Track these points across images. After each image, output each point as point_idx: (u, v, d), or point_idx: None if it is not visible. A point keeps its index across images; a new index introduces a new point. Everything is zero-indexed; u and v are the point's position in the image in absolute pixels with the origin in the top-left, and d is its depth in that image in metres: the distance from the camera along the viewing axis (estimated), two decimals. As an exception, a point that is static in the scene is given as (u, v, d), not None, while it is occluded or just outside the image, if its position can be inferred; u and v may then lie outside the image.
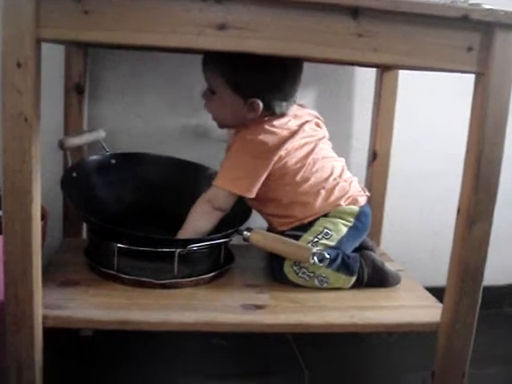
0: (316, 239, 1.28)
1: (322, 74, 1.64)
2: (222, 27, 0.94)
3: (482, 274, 1.11)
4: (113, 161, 1.45)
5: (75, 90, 1.44)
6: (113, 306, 1.12)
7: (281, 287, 1.28)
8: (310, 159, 1.31)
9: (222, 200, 1.28)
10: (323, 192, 1.31)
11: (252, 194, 1.27)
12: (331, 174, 1.33)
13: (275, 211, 1.35)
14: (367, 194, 1.40)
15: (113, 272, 1.21)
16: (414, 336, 1.45)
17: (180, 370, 1.39)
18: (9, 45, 0.90)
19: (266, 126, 1.29)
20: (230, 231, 1.26)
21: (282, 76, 1.26)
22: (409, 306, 1.27)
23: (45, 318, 1.04)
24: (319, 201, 1.30)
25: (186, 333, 1.16)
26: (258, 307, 1.17)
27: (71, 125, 1.46)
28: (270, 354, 1.51)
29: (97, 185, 1.41)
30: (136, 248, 1.19)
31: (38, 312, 1.02)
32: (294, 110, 1.35)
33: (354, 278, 1.29)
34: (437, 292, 1.29)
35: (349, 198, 1.33)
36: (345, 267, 1.28)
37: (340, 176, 1.35)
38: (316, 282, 1.28)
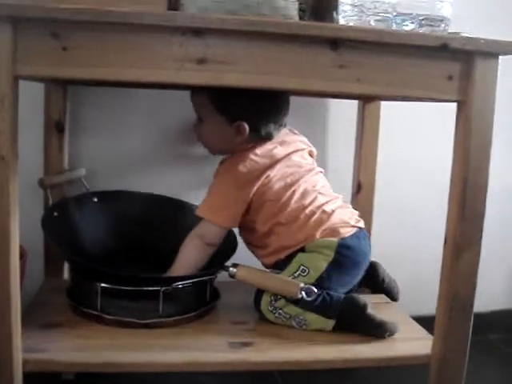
0: (293, 277, 1.24)
1: (296, 107, 1.63)
2: (201, 61, 0.93)
3: (471, 304, 1.09)
4: (94, 199, 1.44)
5: (55, 128, 1.42)
6: (95, 348, 1.09)
7: (268, 323, 1.25)
8: (290, 190, 1.29)
9: (213, 234, 1.27)
10: (298, 222, 1.28)
11: (232, 225, 1.29)
12: (309, 205, 1.29)
13: (255, 241, 1.33)
14: (358, 225, 1.33)
15: (96, 312, 1.18)
16: (404, 367, 1.43)
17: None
18: (-16, 82, 0.89)
19: (249, 155, 1.28)
20: (215, 268, 1.24)
21: (268, 98, 1.26)
22: (398, 338, 1.23)
23: (25, 362, 1.01)
24: (293, 230, 1.27)
25: (171, 373, 1.12)
26: (245, 345, 1.14)
27: (51, 163, 1.43)
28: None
29: (79, 224, 1.38)
30: (119, 287, 1.17)
31: (18, 356, 0.99)
32: (282, 135, 1.35)
33: (332, 321, 1.22)
34: (422, 321, 1.29)
35: (325, 229, 1.27)
36: (323, 309, 1.22)
37: (319, 207, 1.29)
38: (294, 324, 1.24)
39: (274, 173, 1.28)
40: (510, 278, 1.94)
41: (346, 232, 1.29)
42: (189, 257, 1.27)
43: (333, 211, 1.30)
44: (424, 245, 1.76)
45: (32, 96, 1.41)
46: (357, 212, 1.38)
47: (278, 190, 1.28)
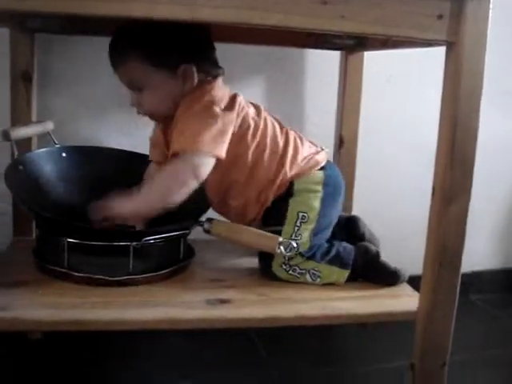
0: (296, 228, 1.20)
1: (276, 59, 1.59)
2: (174, -5, 0.86)
3: (460, 257, 1.05)
4: (63, 154, 1.36)
5: (22, 79, 1.34)
6: (64, 306, 1.03)
7: (246, 281, 1.20)
8: (262, 115, 1.23)
9: (207, 168, 1.12)
10: (279, 148, 1.21)
11: (223, 155, 1.12)
12: (283, 133, 1.24)
13: (236, 187, 1.22)
14: (325, 149, 1.30)
15: (63, 270, 1.12)
16: (389, 328, 1.40)
17: (136, 370, 1.31)
18: None
19: (212, 85, 1.18)
20: (189, 222, 1.17)
21: (197, 36, 1.16)
22: (383, 295, 1.20)
23: (-13, 320, 0.94)
24: (277, 160, 1.21)
25: (142, 334, 1.07)
26: (223, 301, 1.09)
27: (19, 115, 1.36)
28: (232, 350, 1.44)
29: (45, 179, 1.30)
30: (87, 242, 1.10)
31: (-20, 314, 0.93)
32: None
33: (347, 272, 1.21)
34: (411, 281, 1.25)
35: (305, 159, 1.23)
36: (338, 260, 1.21)
37: (291, 131, 1.26)
38: (308, 278, 1.20)
39: (242, 102, 1.20)
40: (492, 238, 1.92)
41: (322, 159, 1.26)
42: (174, 191, 1.12)
43: (301, 138, 1.28)
44: (407, 202, 1.74)
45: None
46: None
47: (253, 116, 1.21)
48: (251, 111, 1.21)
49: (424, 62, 1.63)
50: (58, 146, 1.36)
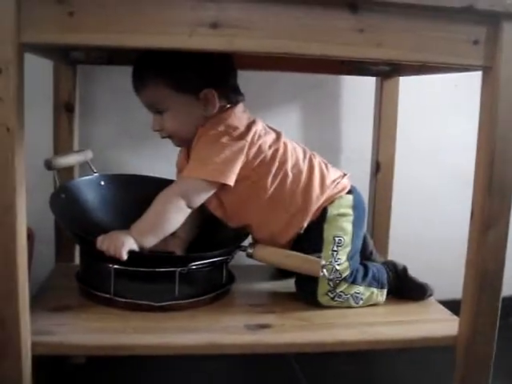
0: (335, 253, 1.21)
1: (311, 86, 1.60)
2: (214, 26, 0.88)
3: (500, 282, 1.04)
4: (101, 182, 1.39)
5: (65, 109, 1.39)
6: (107, 331, 1.05)
7: (286, 306, 1.20)
8: (281, 141, 1.22)
9: (199, 193, 1.15)
10: (303, 173, 1.22)
11: (230, 181, 1.13)
12: (305, 157, 1.25)
13: (264, 211, 1.22)
14: (346, 173, 1.31)
15: (108, 296, 1.14)
16: (427, 353, 1.38)
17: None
18: (-13, 49, 0.84)
19: (229, 113, 1.19)
20: (232, 247, 1.19)
21: (219, 61, 1.17)
22: (422, 320, 1.20)
23: (34, 344, 0.96)
24: (304, 183, 1.21)
25: (182, 360, 1.08)
26: (263, 327, 1.10)
27: (61, 145, 1.40)
28: (272, 377, 1.43)
29: (85, 207, 1.33)
30: (134, 269, 1.12)
31: (26, 338, 0.95)
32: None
33: (385, 291, 1.24)
34: (447, 305, 1.25)
35: (334, 182, 1.25)
36: (375, 280, 1.23)
37: (315, 157, 1.26)
38: (352, 302, 1.21)
39: (260, 128, 1.20)
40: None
41: (348, 183, 1.28)
42: (170, 219, 1.13)
43: (325, 163, 1.28)
44: (444, 226, 1.73)
45: (41, 76, 1.37)
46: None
47: (271, 144, 1.20)
48: (269, 138, 1.21)
49: (459, 86, 1.64)
50: (96, 174, 1.39)
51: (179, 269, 1.12)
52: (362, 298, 1.22)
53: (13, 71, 0.85)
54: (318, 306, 1.20)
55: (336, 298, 1.20)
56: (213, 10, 0.88)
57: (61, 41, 0.87)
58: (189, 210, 1.15)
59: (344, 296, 1.20)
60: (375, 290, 1.23)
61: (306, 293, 1.21)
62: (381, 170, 1.53)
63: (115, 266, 1.12)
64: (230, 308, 1.19)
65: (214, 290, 1.20)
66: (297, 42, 0.92)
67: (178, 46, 0.90)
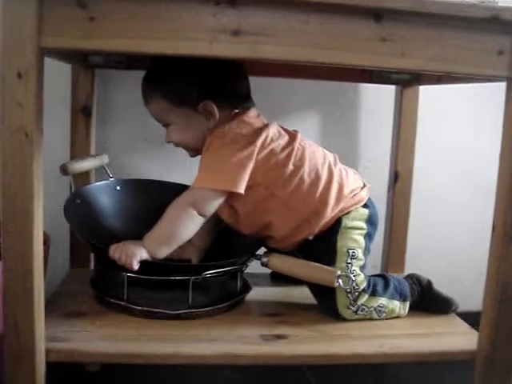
0: (350, 265, 1.18)
1: (331, 93, 1.60)
2: (236, 33, 0.87)
3: (522, 296, 1.02)
4: (117, 187, 1.38)
5: (82, 113, 1.38)
6: (121, 338, 1.04)
7: (302, 316, 1.19)
8: (296, 144, 1.19)
9: (208, 202, 1.13)
10: (321, 179, 1.18)
11: (240, 189, 1.10)
12: (324, 161, 1.21)
13: (276, 218, 1.19)
14: (367, 184, 1.27)
15: (122, 303, 1.13)
16: (444, 367, 1.36)
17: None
18: (9, 54, 0.84)
19: (239, 118, 1.17)
20: (247, 256, 1.18)
21: (219, 70, 1.15)
22: (440, 333, 1.18)
23: (48, 351, 0.96)
24: (319, 191, 1.17)
25: (198, 368, 1.07)
26: (279, 337, 1.08)
27: (78, 149, 1.40)
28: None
29: (101, 212, 1.33)
30: (147, 277, 1.12)
31: (41, 345, 0.94)
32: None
33: (408, 304, 1.22)
34: (465, 317, 1.24)
35: (352, 192, 1.21)
36: (397, 293, 1.22)
37: (335, 164, 1.23)
38: (374, 315, 1.19)
39: (272, 131, 1.17)
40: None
41: (366, 196, 1.25)
42: (182, 229, 1.12)
43: (346, 170, 1.25)
44: (462, 237, 1.71)
45: (58, 79, 1.38)
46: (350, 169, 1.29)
47: (284, 146, 1.17)
48: (283, 141, 1.18)
49: (479, 95, 1.62)
50: (112, 179, 1.39)
51: (193, 277, 1.11)
52: (384, 311, 1.20)
53: (32, 76, 0.85)
54: (342, 320, 1.18)
55: (359, 312, 1.18)
56: (234, 17, 0.87)
57: (81, 46, 0.87)
58: (202, 219, 1.13)
59: (367, 309, 1.18)
60: (398, 303, 1.21)
61: (328, 308, 1.19)
62: (399, 180, 1.51)
63: (128, 274, 1.11)
64: (246, 317, 1.17)
65: (229, 298, 1.19)
66: (320, 51, 0.91)
67: (199, 53, 0.89)
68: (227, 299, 1.19)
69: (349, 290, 1.16)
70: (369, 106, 1.62)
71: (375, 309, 1.19)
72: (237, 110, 1.19)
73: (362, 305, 1.18)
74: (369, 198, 1.26)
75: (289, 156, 1.17)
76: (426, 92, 1.51)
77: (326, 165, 1.21)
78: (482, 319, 1.07)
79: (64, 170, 1.24)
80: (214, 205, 1.14)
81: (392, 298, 1.21)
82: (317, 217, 1.19)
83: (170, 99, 1.16)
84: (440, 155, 1.68)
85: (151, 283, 1.13)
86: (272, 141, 1.16)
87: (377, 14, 0.90)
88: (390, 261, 1.51)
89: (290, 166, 1.16)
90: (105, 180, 1.38)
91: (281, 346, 1.06)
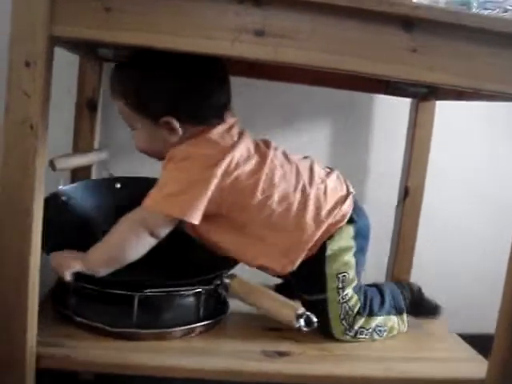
0: (341, 291, 1.11)
1: (343, 102, 1.55)
2: (259, 33, 0.83)
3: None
4: (117, 185, 1.31)
5: (87, 106, 1.33)
6: (117, 347, 0.98)
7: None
8: (265, 168, 1.07)
9: (161, 226, 1.03)
10: (293, 205, 1.08)
11: (192, 218, 1.00)
12: (297, 183, 1.10)
13: (246, 248, 1.10)
14: (350, 190, 1.17)
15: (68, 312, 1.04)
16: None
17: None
18: (17, 41, 0.79)
19: (203, 136, 1.06)
20: (209, 276, 1.06)
21: (187, 80, 1.05)
22: (447, 358, 1.14)
23: (39, 357, 0.90)
24: (293, 216, 1.08)
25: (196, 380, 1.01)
26: (282, 354, 1.04)
27: (81, 143, 1.35)
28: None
29: (92, 211, 1.25)
30: (88, 286, 1.03)
31: (32, 350, 0.89)
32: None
33: (405, 316, 1.20)
34: (471, 339, 1.21)
35: (331, 214, 1.10)
36: (392, 307, 1.18)
37: (310, 183, 1.11)
38: (375, 336, 1.15)
39: (240, 153, 1.07)
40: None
41: (348, 208, 1.14)
42: (130, 249, 1.03)
43: (324, 182, 1.14)
44: (470, 256, 1.67)
45: (64, 70, 1.32)
46: (335, 171, 1.20)
47: (252, 172, 1.06)
48: (250, 166, 1.07)
49: (494, 113, 1.59)
50: (112, 176, 1.33)
51: (138, 294, 1.01)
52: (385, 330, 1.16)
53: (41, 66, 0.80)
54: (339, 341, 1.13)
55: (358, 336, 1.13)
56: (258, 17, 0.82)
57: (95, 37, 0.82)
58: (153, 240, 1.04)
59: (366, 331, 1.13)
60: (395, 318, 1.17)
61: (325, 333, 1.12)
62: (409, 195, 1.47)
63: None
64: (247, 331, 1.12)
65: (186, 323, 1.07)
66: (345, 57, 0.86)
67: (219, 53, 0.84)
68: (183, 323, 1.07)
69: (342, 317, 1.11)
70: (382, 118, 1.58)
71: (374, 330, 1.14)
72: (203, 127, 1.08)
73: (361, 327, 1.13)
74: (354, 208, 1.15)
75: (256, 184, 1.06)
76: (439, 107, 1.46)
77: (300, 187, 1.10)
78: (494, 345, 1.02)
79: (52, 165, 1.15)
80: (166, 229, 1.04)
81: (388, 314, 1.16)
82: (294, 248, 1.10)
83: (134, 105, 1.07)
84: (452, 173, 1.64)
85: (94, 295, 1.03)
86: (238, 166, 1.05)
87: (407, 23, 0.86)
88: (395, 278, 1.47)
89: (258, 196, 1.06)
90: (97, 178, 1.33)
91: (283, 364, 1.01)
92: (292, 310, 0.96)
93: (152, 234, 1.03)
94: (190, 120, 1.07)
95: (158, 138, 1.08)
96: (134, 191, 1.26)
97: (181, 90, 1.05)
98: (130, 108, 1.07)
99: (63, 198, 1.18)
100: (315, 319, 0.96)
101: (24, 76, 0.79)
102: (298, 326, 0.95)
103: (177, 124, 1.05)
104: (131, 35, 0.81)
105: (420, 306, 1.25)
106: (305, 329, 0.95)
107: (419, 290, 1.26)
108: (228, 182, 1.03)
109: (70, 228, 1.15)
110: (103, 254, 1.04)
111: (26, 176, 0.82)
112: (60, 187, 1.21)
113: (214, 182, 1.01)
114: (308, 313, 0.96)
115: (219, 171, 1.02)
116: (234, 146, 1.06)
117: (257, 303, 1.01)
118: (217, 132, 1.07)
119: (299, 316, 0.95)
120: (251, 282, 1.05)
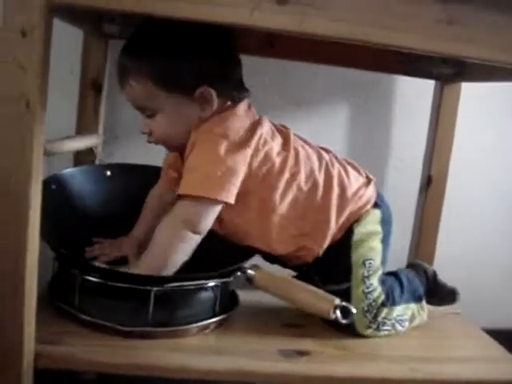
0: (367, 280, 1.05)
1: (364, 83, 1.48)
2: (282, 2, 0.74)
3: None
4: (107, 172, 1.21)
5: (92, 86, 1.26)
6: (122, 346, 0.90)
7: (324, 327, 1.05)
8: (291, 147, 1.04)
9: (202, 217, 0.97)
10: (319, 186, 1.04)
11: (232, 198, 0.96)
12: (320, 164, 1.07)
13: (276, 234, 1.05)
14: (371, 177, 1.13)
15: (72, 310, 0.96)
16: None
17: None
18: (13, 7, 0.71)
19: (229, 113, 1.01)
20: (229, 268, 1.00)
21: (218, 52, 1.00)
22: (475, 357, 1.06)
23: (37, 356, 0.83)
24: (320, 197, 1.04)
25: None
26: (301, 353, 0.96)
27: (85, 124, 1.28)
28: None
29: (82, 200, 1.16)
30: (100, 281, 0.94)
31: (30, 348, 0.81)
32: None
33: (424, 303, 1.13)
34: (497, 334, 1.14)
35: (356, 195, 1.07)
36: (410, 294, 1.11)
37: (332, 165, 1.08)
38: (398, 327, 1.08)
39: (266, 129, 1.03)
40: None
41: (373, 193, 1.11)
42: (175, 252, 0.97)
43: (344, 167, 1.10)
44: (494, 247, 1.62)
45: (68, 46, 1.27)
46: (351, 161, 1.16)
47: (279, 150, 1.03)
48: (277, 144, 1.04)
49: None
50: (103, 163, 1.27)
51: (155, 288, 0.93)
52: (406, 320, 1.09)
53: (39, 36, 0.72)
54: (364, 337, 1.06)
55: (381, 328, 1.06)
56: (281, -17, 0.74)
57: (99, 4, 0.73)
58: (198, 237, 0.98)
59: (389, 322, 1.06)
60: (414, 306, 1.11)
61: (346, 328, 1.03)
62: (432, 183, 1.39)
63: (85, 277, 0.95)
64: (262, 328, 1.03)
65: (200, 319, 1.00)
66: (374, 29, 0.78)
67: (237, 22, 0.75)
68: (199, 319, 0.99)
69: (366, 309, 1.04)
70: (404, 102, 1.50)
71: (396, 320, 1.08)
72: (229, 103, 1.03)
73: (384, 318, 1.06)
74: (377, 193, 1.12)
75: (285, 161, 1.03)
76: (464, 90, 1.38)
77: (323, 167, 1.07)
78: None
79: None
80: (210, 218, 0.98)
81: (407, 302, 1.10)
82: (321, 232, 1.05)
83: (162, 84, 0.98)
84: (477, 159, 1.58)
85: (102, 290, 0.94)
86: (266, 142, 1.02)
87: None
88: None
89: (286, 174, 1.02)
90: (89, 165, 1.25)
91: (303, 365, 0.93)
92: (328, 301, 0.93)
93: (194, 232, 0.97)
94: (225, 91, 1.01)
95: (186, 117, 1.01)
96: (124, 178, 1.22)
97: (211, 55, 0.99)
98: (158, 87, 0.98)
99: (53, 186, 1.10)
100: (354, 310, 0.93)
101: (19, 47, 0.71)
102: (334, 317, 0.93)
103: (214, 94, 0.99)
104: (138, 3, 0.73)
105: (435, 292, 1.17)
106: (343, 321, 0.93)
107: (434, 273, 1.18)
108: (258, 160, 1.00)
109: (61, 216, 1.06)
110: (151, 263, 0.97)
111: (22, 159, 0.74)
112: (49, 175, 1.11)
113: (248, 159, 0.98)
114: (345, 303, 0.93)
115: (253, 145, 0.99)
116: (259, 121, 1.04)
117: (288, 295, 0.98)
118: (243, 108, 1.04)
119: (336, 307, 0.92)
120: (276, 274, 1.01)
